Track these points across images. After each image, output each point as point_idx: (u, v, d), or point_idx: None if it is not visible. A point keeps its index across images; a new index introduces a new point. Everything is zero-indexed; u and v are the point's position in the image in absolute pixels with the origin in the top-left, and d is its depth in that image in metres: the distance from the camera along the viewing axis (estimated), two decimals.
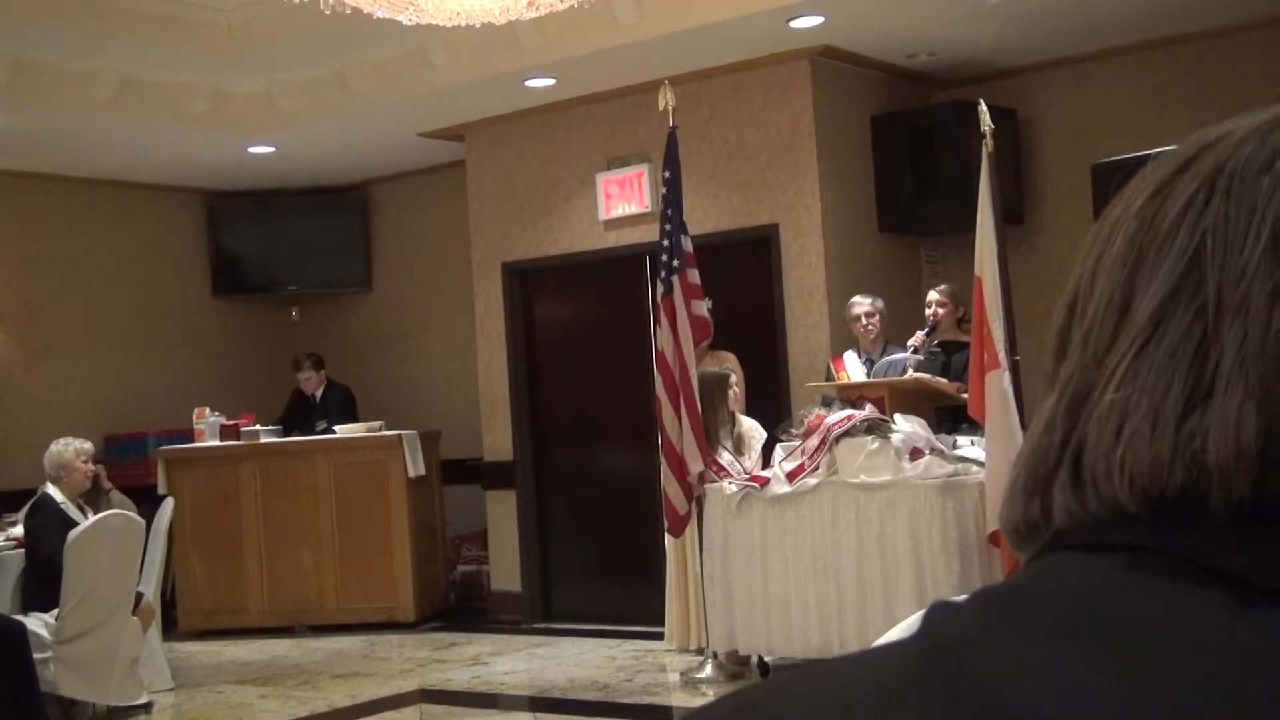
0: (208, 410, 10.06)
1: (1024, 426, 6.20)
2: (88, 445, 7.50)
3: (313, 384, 10.58)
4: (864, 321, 7.74)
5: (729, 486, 7.02)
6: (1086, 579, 0.60)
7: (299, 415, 10.53)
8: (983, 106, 6.65)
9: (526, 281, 9.79)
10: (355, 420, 10.19)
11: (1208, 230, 0.61)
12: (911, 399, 7.03)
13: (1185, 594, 0.57)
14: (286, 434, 10.20)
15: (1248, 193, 0.61)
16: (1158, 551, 0.59)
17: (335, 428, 9.97)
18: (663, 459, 7.26)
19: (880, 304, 7.76)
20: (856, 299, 7.83)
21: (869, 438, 6.57)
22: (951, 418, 7.15)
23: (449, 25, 5.71)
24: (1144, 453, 0.60)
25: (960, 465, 6.49)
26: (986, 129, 6.54)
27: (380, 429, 9.94)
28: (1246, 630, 0.55)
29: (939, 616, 0.61)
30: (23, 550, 7.31)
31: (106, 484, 7.88)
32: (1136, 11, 7.90)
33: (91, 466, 7.50)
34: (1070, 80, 8.79)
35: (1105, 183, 6.73)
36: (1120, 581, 0.59)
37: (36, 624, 6.80)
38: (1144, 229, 0.64)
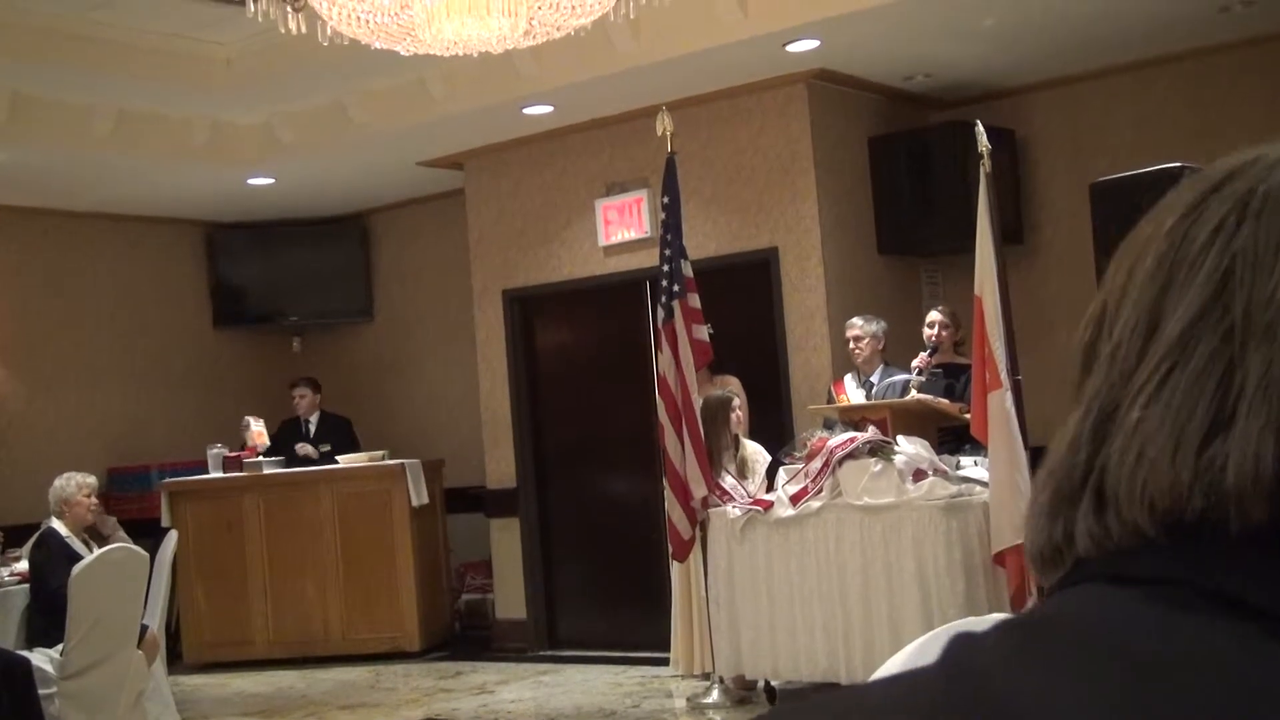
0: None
1: (1026, 446, 6.20)
2: (90, 479, 7.48)
3: (305, 404, 10.54)
4: (852, 345, 7.74)
5: (733, 510, 7.01)
6: (1109, 613, 0.60)
7: (287, 440, 10.47)
8: (980, 127, 6.66)
9: (527, 308, 9.79)
10: (355, 450, 10.17)
11: (1237, 254, 0.62)
12: (914, 420, 7.02)
13: (1206, 627, 0.57)
14: (273, 454, 10.19)
15: (1278, 218, 0.62)
16: (1179, 583, 0.59)
17: (338, 457, 9.97)
18: (666, 484, 7.26)
19: (873, 326, 7.73)
20: (849, 322, 7.83)
21: (872, 460, 6.57)
22: (954, 438, 7.14)
23: (446, 55, 5.72)
24: (1164, 476, 0.60)
25: (964, 486, 6.48)
26: (984, 149, 6.55)
27: (383, 458, 9.93)
28: (1263, 662, 0.55)
29: (960, 646, 0.61)
30: (27, 585, 7.30)
31: (107, 528, 7.82)
32: (1132, 30, 7.92)
33: (94, 500, 7.49)
34: (1067, 100, 8.81)
35: (1104, 201, 6.73)
36: (1142, 615, 0.59)
37: (41, 659, 6.78)
38: (1174, 249, 0.64)
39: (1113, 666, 0.56)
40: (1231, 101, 8.19)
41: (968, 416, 6.65)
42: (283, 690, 8.90)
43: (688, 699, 7.52)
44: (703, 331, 7.32)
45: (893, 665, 0.74)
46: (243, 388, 11.57)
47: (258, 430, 10.10)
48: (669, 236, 7.32)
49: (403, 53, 5.75)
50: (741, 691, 7.23)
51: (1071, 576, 0.64)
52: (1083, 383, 0.67)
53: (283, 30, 5.33)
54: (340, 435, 10.44)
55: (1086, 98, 8.74)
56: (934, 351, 7.36)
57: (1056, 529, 0.65)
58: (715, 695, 7.25)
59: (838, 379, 7.93)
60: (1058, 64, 8.49)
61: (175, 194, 10.41)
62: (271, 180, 10.22)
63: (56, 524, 7.32)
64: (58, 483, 7.39)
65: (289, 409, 10.73)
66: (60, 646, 6.85)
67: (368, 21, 5.33)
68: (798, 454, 7.09)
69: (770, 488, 7.14)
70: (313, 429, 10.53)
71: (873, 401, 7.38)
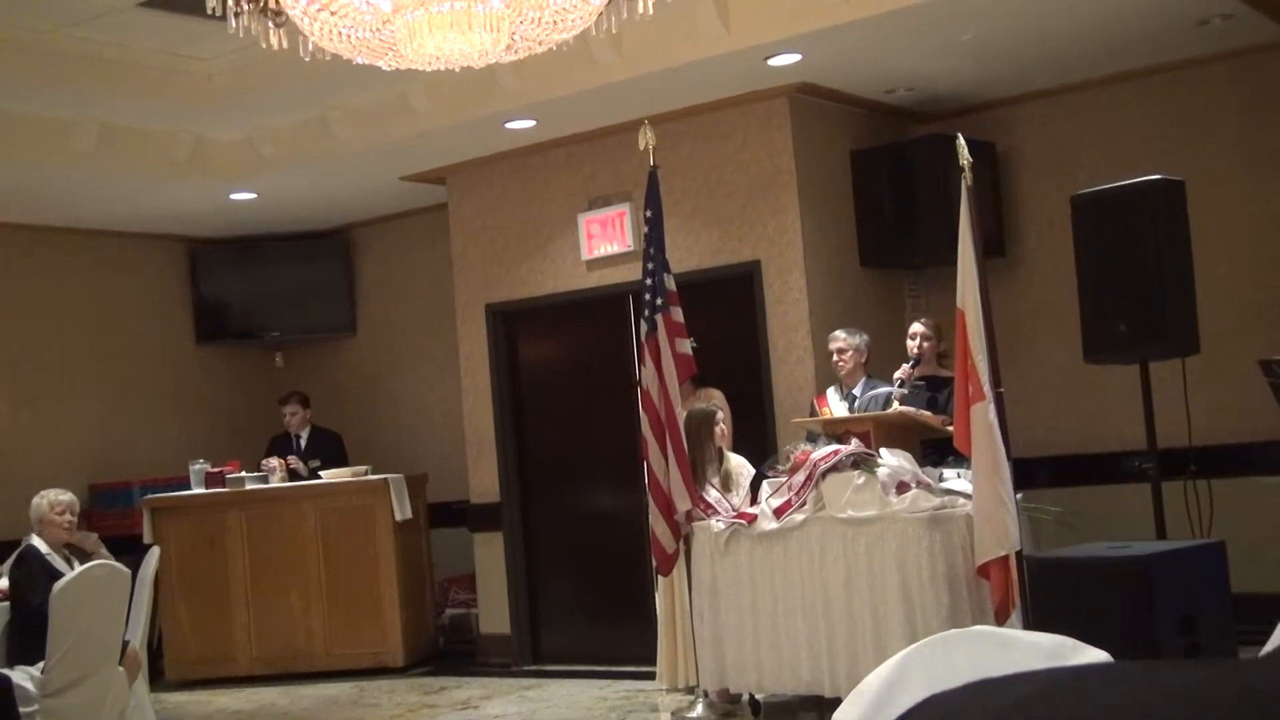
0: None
1: (1009, 458, 6.20)
2: (64, 497, 7.40)
3: (297, 421, 10.54)
4: (836, 358, 7.76)
5: (717, 524, 7.01)
6: None
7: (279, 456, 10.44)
8: (961, 140, 6.67)
9: (510, 323, 9.78)
10: (346, 466, 10.15)
11: None
12: (897, 433, 7.03)
13: None
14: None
15: None
16: None
17: (321, 473, 9.94)
18: (650, 498, 7.25)
19: (856, 339, 7.75)
20: (831, 335, 7.84)
21: (855, 472, 6.57)
22: (937, 451, 7.14)
23: (428, 70, 5.72)
24: None
25: (947, 498, 6.48)
26: (965, 162, 6.55)
27: (366, 473, 9.90)
28: None
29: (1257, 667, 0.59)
30: (7, 603, 7.25)
31: (89, 545, 7.77)
32: (1112, 43, 7.95)
33: (68, 518, 7.41)
34: (1048, 112, 8.84)
35: (1085, 214, 6.76)
36: None
37: (22, 676, 6.74)
38: None
39: None
40: (1211, 114, 8.23)
41: (950, 429, 6.66)
42: (265, 707, 8.86)
43: (672, 713, 7.50)
44: (686, 345, 7.32)
45: (877, 678, 0.73)
46: (225, 403, 11.54)
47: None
48: (652, 250, 7.32)
49: (384, 68, 5.73)
50: (726, 705, 7.22)
51: None
52: None
53: (264, 46, 5.32)
54: (331, 450, 10.42)
55: (1067, 111, 8.77)
56: (916, 364, 7.37)
57: None
58: (700, 709, 7.24)
59: (821, 392, 7.94)
60: (1038, 77, 8.53)
61: (157, 209, 10.38)
62: (254, 195, 10.20)
63: (37, 541, 7.28)
64: (35, 501, 7.35)
65: (272, 424, 10.70)
66: (41, 664, 6.81)
67: (349, 37, 5.32)
68: (781, 467, 7.08)
69: (754, 501, 7.13)
70: (303, 444, 10.51)
71: (856, 414, 7.39)
